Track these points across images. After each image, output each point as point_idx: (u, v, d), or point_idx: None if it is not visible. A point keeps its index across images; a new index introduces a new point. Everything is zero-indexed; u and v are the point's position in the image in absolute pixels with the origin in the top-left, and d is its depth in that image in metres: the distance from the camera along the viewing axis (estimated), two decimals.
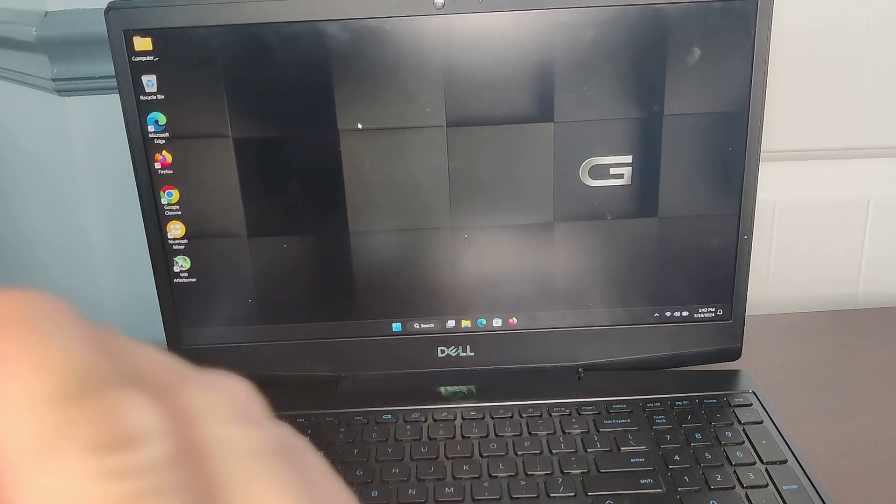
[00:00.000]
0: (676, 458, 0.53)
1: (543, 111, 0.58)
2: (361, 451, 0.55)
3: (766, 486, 0.50)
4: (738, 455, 0.53)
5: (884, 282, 0.78)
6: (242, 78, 0.57)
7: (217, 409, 0.14)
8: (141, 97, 0.57)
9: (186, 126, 0.58)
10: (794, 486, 0.50)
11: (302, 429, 0.57)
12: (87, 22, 0.67)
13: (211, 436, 0.13)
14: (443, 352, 0.63)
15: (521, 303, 0.62)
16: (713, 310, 0.62)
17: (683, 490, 0.50)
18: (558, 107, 0.58)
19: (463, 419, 0.57)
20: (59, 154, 0.75)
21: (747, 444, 0.54)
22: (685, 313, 0.62)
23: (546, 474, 0.52)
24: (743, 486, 0.50)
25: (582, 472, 0.52)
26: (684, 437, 0.55)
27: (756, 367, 0.62)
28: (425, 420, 0.57)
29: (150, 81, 0.57)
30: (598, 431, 0.55)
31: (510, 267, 0.61)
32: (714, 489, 0.50)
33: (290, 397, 0.61)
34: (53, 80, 0.70)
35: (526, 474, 0.52)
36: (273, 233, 0.60)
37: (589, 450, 0.54)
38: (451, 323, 0.62)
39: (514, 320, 0.62)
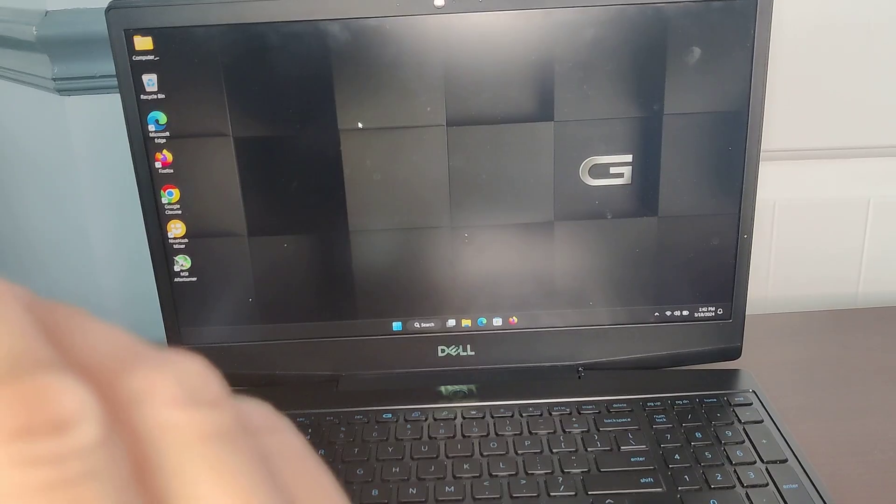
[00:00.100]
0: (676, 457, 0.53)
1: (543, 110, 0.58)
2: (362, 451, 0.55)
3: (767, 485, 0.50)
4: (738, 454, 0.53)
5: (884, 282, 0.78)
6: (243, 77, 0.57)
7: (162, 391, 0.13)
8: (141, 96, 0.57)
9: (187, 125, 0.58)
10: (794, 486, 0.50)
11: (302, 428, 0.57)
12: (88, 21, 0.68)
13: (153, 421, 0.13)
14: (443, 351, 0.63)
15: (521, 302, 0.62)
16: (713, 309, 0.62)
17: (683, 489, 0.50)
18: (558, 106, 0.58)
19: (463, 418, 0.57)
20: (59, 154, 0.75)
21: (747, 443, 0.54)
22: (685, 313, 0.62)
23: (546, 473, 0.52)
24: (743, 486, 0.50)
25: (582, 472, 0.52)
26: (684, 436, 0.55)
27: (756, 367, 0.62)
28: (426, 419, 0.57)
29: (150, 81, 0.57)
30: (599, 431, 0.55)
31: (510, 266, 0.61)
32: (714, 488, 0.50)
33: (290, 397, 0.61)
34: (54, 79, 0.70)
35: (526, 473, 0.52)
36: (273, 232, 0.60)
37: (589, 449, 0.54)
38: (451, 322, 0.62)
39: (515, 319, 0.62)
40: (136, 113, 0.57)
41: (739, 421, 0.56)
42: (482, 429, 0.56)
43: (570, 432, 0.55)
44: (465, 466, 0.53)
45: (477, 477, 0.52)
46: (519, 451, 0.54)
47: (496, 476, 0.52)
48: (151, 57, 0.56)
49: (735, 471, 0.51)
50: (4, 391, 0.11)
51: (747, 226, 0.60)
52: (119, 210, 0.75)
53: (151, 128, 0.58)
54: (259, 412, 0.15)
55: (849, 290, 0.78)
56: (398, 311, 0.62)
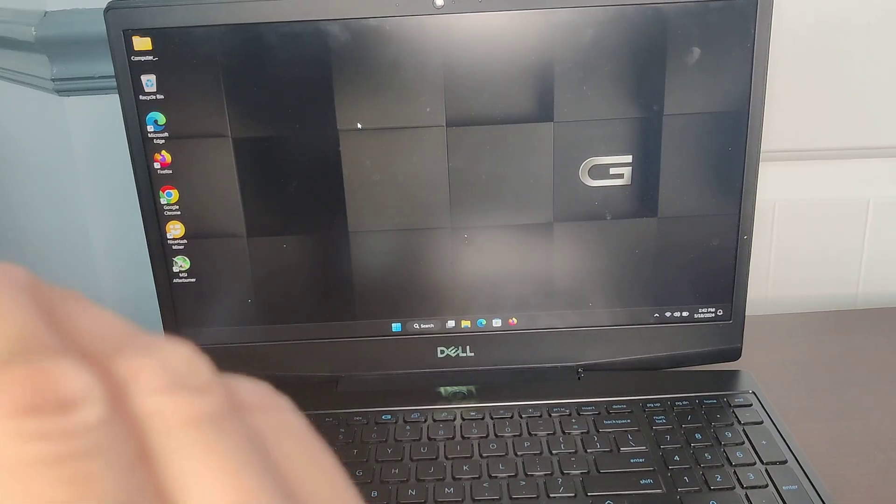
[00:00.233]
0: (676, 458, 0.53)
1: (543, 111, 0.58)
2: (361, 452, 0.55)
3: (766, 486, 0.50)
4: (738, 455, 0.53)
5: (884, 282, 0.78)
6: (242, 78, 0.57)
7: (148, 378, 0.13)
8: (140, 97, 0.57)
9: (186, 126, 0.58)
10: (793, 487, 0.50)
11: None
12: (87, 22, 0.67)
13: (143, 408, 0.13)
14: (442, 352, 0.63)
15: (520, 303, 0.62)
16: (713, 310, 0.62)
17: (683, 490, 0.50)
18: (558, 107, 0.57)
19: (463, 419, 0.57)
20: (58, 154, 0.75)
21: (747, 444, 0.54)
22: (685, 313, 0.62)
23: (546, 475, 0.52)
24: (743, 487, 0.50)
25: (582, 473, 0.52)
26: (684, 437, 0.55)
27: (756, 368, 0.62)
28: (425, 420, 0.57)
29: (149, 81, 0.57)
30: (598, 432, 0.55)
31: (510, 267, 0.61)
32: (714, 489, 0.50)
33: (289, 397, 0.60)
34: (53, 80, 0.70)
35: (526, 475, 0.52)
36: (272, 233, 0.60)
37: (589, 450, 0.54)
38: (450, 323, 0.62)
39: (514, 320, 0.62)
40: (134, 113, 0.57)
41: (739, 422, 0.56)
42: (482, 430, 0.56)
43: (569, 433, 0.55)
44: (464, 468, 0.53)
45: (476, 478, 0.52)
46: (518, 453, 0.54)
47: (495, 477, 0.52)
48: (150, 57, 0.56)
49: (735, 472, 0.51)
50: (11, 372, 0.12)
51: (747, 226, 0.60)
52: (118, 210, 0.75)
53: (150, 128, 0.58)
54: (254, 392, 0.15)
55: (849, 290, 0.78)
56: (398, 312, 0.62)
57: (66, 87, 0.71)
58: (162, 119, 0.57)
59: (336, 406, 0.59)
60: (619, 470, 0.52)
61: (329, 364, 0.62)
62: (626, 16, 0.56)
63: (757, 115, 0.58)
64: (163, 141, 0.58)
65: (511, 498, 0.50)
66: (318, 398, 0.60)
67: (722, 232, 0.60)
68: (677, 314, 0.62)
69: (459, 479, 0.52)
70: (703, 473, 0.51)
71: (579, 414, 0.57)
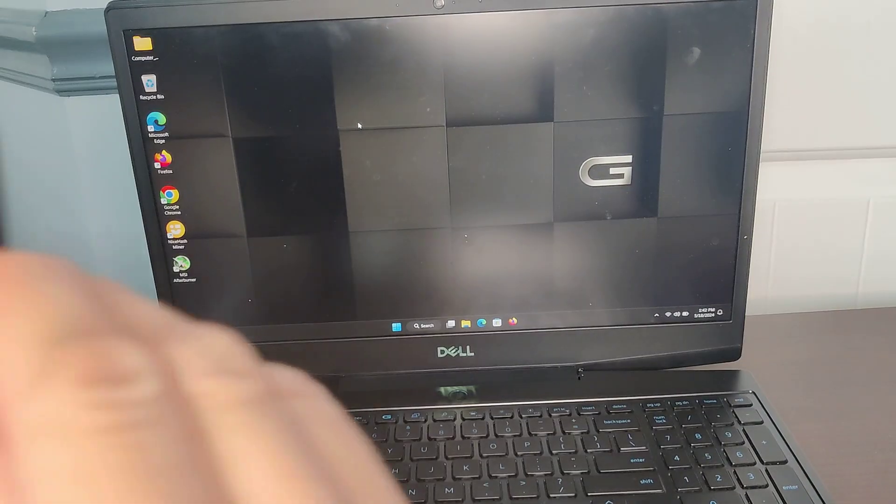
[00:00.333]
0: (676, 458, 0.53)
1: (543, 111, 0.58)
2: None
3: (766, 486, 0.50)
4: (738, 455, 0.53)
5: (884, 282, 0.78)
6: (242, 78, 0.57)
7: (194, 362, 0.14)
8: (141, 97, 0.57)
9: (186, 126, 0.58)
10: (794, 487, 0.50)
11: None
12: (87, 22, 0.67)
13: (190, 389, 0.14)
14: (443, 352, 0.63)
15: (520, 303, 0.62)
16: (713, 310, 0.62)
17: (683, 490, 0.50)
18: (558, 107, 0.58)
19: (463, 419, 0.57)
20: (58, 154, 0.75)
21: (747, 444, 0.54)
22: (685, 313, 0.62)
23: (546, 475, 0.52)
24: (743, 487, 0.50)
25: (582, 473, 0.52)
26: (684, 437, 0.55)
27: (756, 368, 0.62)
28: (425, 420, 0.57)
29: (149, 81, 0.57)
30: (598, 432, 0.55)
31: (510, 267, 0.61)
32: (714, 489, 0.50)
33: None
34: (53, 80, 0.70)
35: (526, 475, 0.52)
36: (273, 233, 0.60)
37: (589, 450, 0.54)
38: (450, 323, 0.62)
39: (514, 320, 0.62)
40: (135, 113, 0.57)
41: (739, 422, 0.56)
42: (482, 430, 0.56)
43: (569, 433, 0.55)
44: (464, 468, 0.53)
45: (476, 478, 0.52)
46: (518, 453, 0.54)
47: (496, 477, 0.52)
48: (150, 57, 0.56)
49: (735, 472, 0.51)
50: (72, 348, 0.13)
51: (747, 226, 0.60)
52: (118, 210, 0.75)
53: (151, 128, 0.58)
54: (292, 379, 0.16)
55: (849, 290, 0.78)
56: (398, 312, 0.62)
57: (66, 87, 0.71)
58: (162, 119, 0.57)
59: None
60: (620, 470, 0.52)
61: (329, 364, 0.62)
62: (627, 16, 0.56)
63: (757, 115, 0.58)
64: (163, 141, 0.58)
65: (511, 498, 0.50)
66: None
67: (722, 232, 0.60)
68: (677, 314, 0.62)
69: (459, 479, 0.52)
70: (703, 473, 0.51)
71: (579, 414, 0.57)
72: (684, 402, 0.58)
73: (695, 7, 0.56)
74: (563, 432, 0.55)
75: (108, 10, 0.55)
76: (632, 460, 0.53)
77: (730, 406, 0.58)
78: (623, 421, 0.56)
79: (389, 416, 0.58)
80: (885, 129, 0.73)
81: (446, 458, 0.54)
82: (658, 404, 0.58)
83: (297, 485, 0.14)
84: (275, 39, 0.56)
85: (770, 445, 0.53)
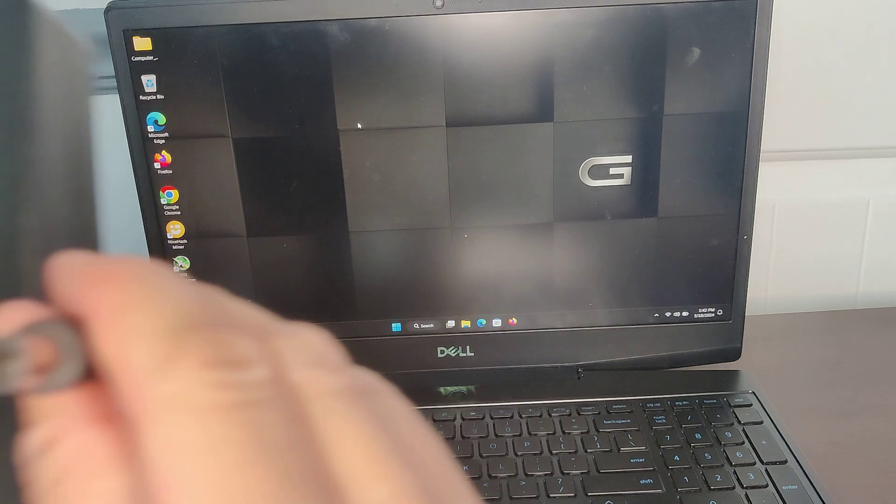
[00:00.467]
0: (676, 458, 0.53)
1: (543, 111, 0.58)
2: None
3: (766, 486, 0.50)
4: (737, 455, 0.53)
5: (883, 282, 0.78)
6: (242, 78, 0.57)
7: (294, 355, 0.16)
8: (140, 97, 0.57)
9: (186, 126, 0.58)
10: (793, 487, 0.50)
11: None
12: (87, 22, 0.67)
13: (292, 378, 0.15)
14: (442, 352, 0.63)
15: (520, 303, 0.62)
16: (713, 310, 0.62)
17: (683, 490, 0.50)
18: (558, 107, 0.58)
19: (462, 419, 0.57)
20: None
21: (747, 444, 0.54)
22: (685, 313, 0.62)
23: (546, 475, 0.52)
24: (743, 487, 0.50)
25: (582, 473, 0.52)
26: (684, 437, 0.55)
27: (756, 368, 0.62)
28: (425, 420, 0.57)
29: (149, 81, 0.57)
30: (598, 432, 0.55)
31: (510, 267, 0.61)
32: (714, 489, 0.50)
33: None
34: None
35: (525, 475, 0.52)
36: (273, 233, 0.60)
37: (589, 450, 0.54)
38: (450, 323, 0.62)
39: (514, 320, 0.62)
40: (134, 113, 0.57)
41: (739, 422, 0.56)
42: (481, 430, 0.56)
43: (569, 433, 0.55)
44: (464, 468, 0.53)
45: (476, 478, 0.52)
46: (518, 453, 0.54)
47: (495, 477, 0.52)
48: (150, 57, 0.56)
49: (735, 472, 0.51)
50: (193, 337, 0.14)
51: (747, 226, 0.60)
52: (118, 210, 0.75)
53: (150, 128, 0.58)
54: (370, 379, 0.17)
55: (848, 291, 0.78)
56: (397, 312, 0.62)
57: None
58: (162, 119, 0.57)
59: None
60: (619, 470, 0.52)
61: None
62: (627, 16, 0.56)
63: (757, 115, 0.58)
64: (163, 141, 0.58)
65: (511, 498, 0.50)
66: None
67: (722, 232, 0.60)
68: (677, 314, 0.62)
69: None
70: (703, 473, 0.51)
71: (579, 414, 0.57)
72: (684, 402, 0.58)
73: (695, 7, 0.56)
74: (563, 432, 0.55)
75: (107, 10, 0.55)
76: (632, 460, 0.53)
77: (729, 406, 0.58)
78: (623, 421, 0.56)
79: None
80: (885, 129, 0.73)
81: None
82: (658, 404, 0.58)
83: (390, 467, 0.15)
84: (275, 39, 0.56)
85: (770, 445, 0.53)
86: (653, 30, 0.56)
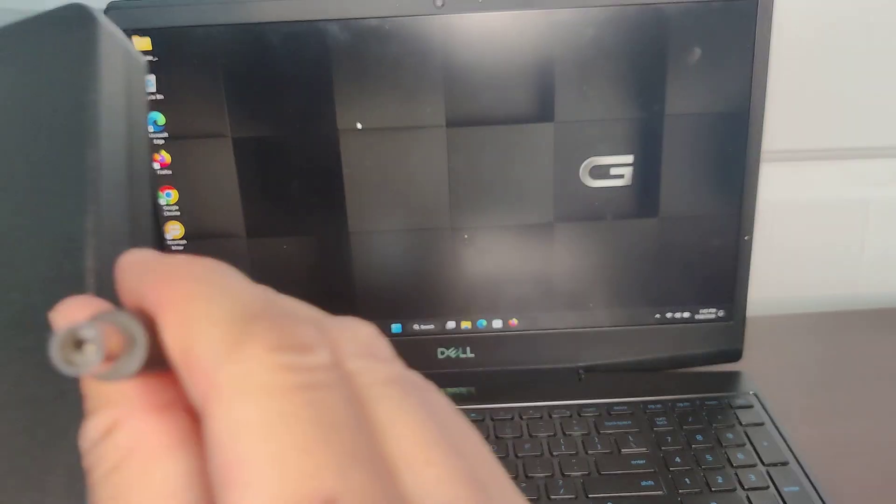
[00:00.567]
0: (677, 459, 0.52)
1: (543, 111, 0.58)
2: None
3: (768, 487, 0.50)
4: (739, 457, 0.52)
5: (884, 282, 0.78)
6: (242, 78, 0.57)
7: (348, 345, 0.16)
8: None
9: (185, 126, 0.58)
10: (795, 488, 0.50)
11: None
12: None
13: (346, 367, 0.16)
14: (443, 353, 0.63)
15: (521, 304, 0.62)
16: (714, 311, 0.62)
17: (684, 492, 0.50)
18: (558, 107, 0.57)
19: None
20: None
21: (748, 445, 0.54)
22: (686, 314, 0.62)
23: (546, 476, 0.52)
24: (744, 488, 0.50)
25: (582, 474, 0.52)
26: (685, 438, 0.55)
27: (757, 369, 0.62)
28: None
29: (149, 81, 0.56)
30: (599, 433, 0.55)
31: (510, 268, 0.61)
32: (715, 491, 0.50)
33: None
34: None
35: (526, 476, 0.52)
36: (272, 233, 0.60)
37: (589, 452, 0.54)
38: (451, 324, 0.62)
39: (515, 321, 0.62)
40: None
41: (740, 423, 0.56)
42: (482, 431, 0.56)
43: (570, 435, 0.55)
44: None
45: None
46: (519, 454, 0.54)
47: None
48: (150, 57, 0.56)
49: (736, 473, 0.51)
50: (259, 323, 0.15)
51: (748, 227, 0.60)
52: None
53: (150, 128, 0.57)
54: (416, 374, 0.18)
55: (849, 291, 0.78)
56: (398, 313, 0.62)
57: None
58: (162, 119, 0.57)
59: None
60: (620, 471, 0.52)
61: None
62: (627, 16, 0.56)
63: (757, 115, 0.58)
64: (162, 141, 0.58)
65: None
66: None
67: (723, 232, 0.60)
68: (678, 315, 0.62)
69: None
70: (704, 475, 0.51)
71: (580, 415, 0.57)
72: (685, 404, 0.58)
73: (695, 7, 0.55)
74: (564, 434, 0.55)
75: (107, 9, 0.55)
76: (633, 462, 0.53)
77: (731, 407, 0.57)
78: (624, 422, 0.56)
79: None
80: (885, 129, 0.73)
81: None
82: (659, 405, 0.58)
83: (438, 452, 0.15)
84: (275, 39, 0.56)
85: (771, 447, 0.53)
86: (653, 30, 0.56)
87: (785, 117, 0.71)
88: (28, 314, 0.20)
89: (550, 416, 0.57)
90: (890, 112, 0.72)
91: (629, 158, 0.59)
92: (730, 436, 0.54)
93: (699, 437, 0.54)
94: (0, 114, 0.23)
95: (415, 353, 0.62)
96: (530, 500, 0.50)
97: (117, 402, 0.16)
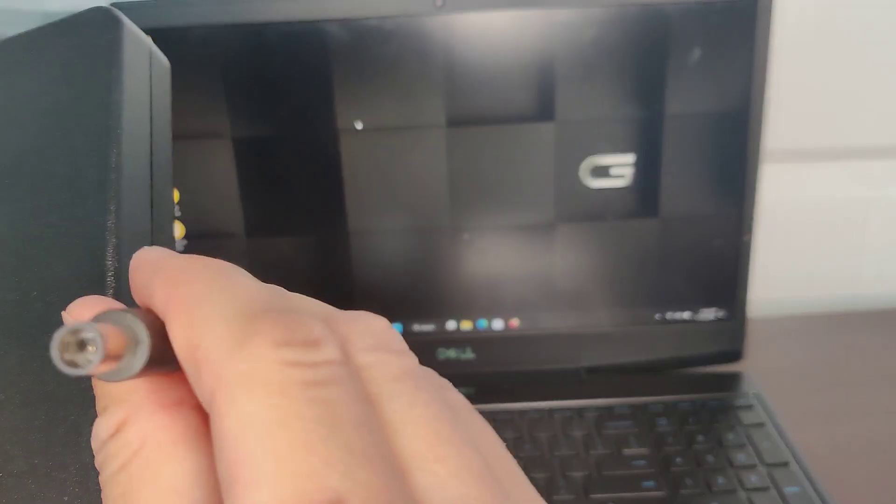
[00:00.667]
0: (678, 460, 0.52)
1: (544, 111, 0.57)
2: None
3: (768, 488, 0.50)
4: (740, 457, 0.52)
5: (885, 283, 0.77)
6: (242, 77, 0.57)
7: (359, 339, 0.16)
8: None
9: (185, 126, 0.58)
10: (796, 489, 0.50)
11: None
12: None
13: (357, 361, 0.16)
14: (443, 354, 0.62)
15: (521, 304, 0.62)
16: (715, 311, 0.62)
17: (685, 493, 0.50)
18: (559, 106, 0.57)
19: None
20: None
21: (749, 446, 0.53)
22: (687, 315, 0.62)
23: (547, 476, 0.52)
24: (745, 489, 0.50)
25: (583, 475, 0.52)
26: (686, 439, 0.54)
27: (758, 369, 0.62)
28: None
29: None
30: (600, 434, 0.55)
31: (511, 268, 0.61)
32: (716, 492, 0.50)
33: None
34: None
35: (527, 476, 0.52)
36: (272, 233, 0.60)
37: (590, 452, 0.53)
38: (451, 324, 0.62)
39: (515, 322, 0.62)
40: None
41: (741, 424, 0.56)
42: None
43: (571, 435, 0.55)
44: None
45: None
46: (520, 455, 0.53)
47: None
48: None
49: (737, 474, 0.51)
50: (266, 319, 0.15)
51: (749, 227, 0.60)
52: None
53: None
54: (429, 370, 0.18)
55: (850, 291, 0.78)
56: (397, 314, 0.62)
57: None
58: None
59: None
60: (621, 472, 0.52)
61: None
62: (628, 15, 0.56)
63: (758, 116, 0.58)
64: None
65: None
66: None
67: (723, 232, 0.60)
68: (679, 315, 0.62)
69: None
70: (705, 475, 0.51)
71: (581, 416, 0.57)
72: (686, 404, 0.58)
73: (696, 7, 0.55)
74: (565, 434, 0.55)
75: None
76: (633, 462, 0.52)
77: (732, 408, 0.57)
78: (625, 423, 0.56)
79: None
80: (885, 129, 0.73)
81: None
82: (660, 406, 0.58)
83: (451, 448, 0.15)
84: (274, 39, 0.56)
85: (772, 447, 0.53)
86: (654, 29, 0.56)
87: (786, 117, 0.71)
88: (49, 313, 0.20)
89: (551, 417, 0.57)
90: (891, 112, 0.72)
91: (630, 158, 0.59)
92: (731, 436, 0.54)
93: (700, 438, 0.54)
94: (28, 116, 0.23)
95: (415, 354, 0.62)
96: None
97: (126, 400, 0.16)
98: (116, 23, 0.23)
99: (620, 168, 0.59)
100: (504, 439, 0.55)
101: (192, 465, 0.15)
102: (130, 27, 0.24)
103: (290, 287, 0.17)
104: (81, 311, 0.16)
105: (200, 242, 0.60)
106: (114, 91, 0.22)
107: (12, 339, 0.20)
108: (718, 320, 0.62)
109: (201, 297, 0.15)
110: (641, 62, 0.57)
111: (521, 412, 0.57)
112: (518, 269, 0.61)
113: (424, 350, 0.62)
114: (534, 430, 0.56)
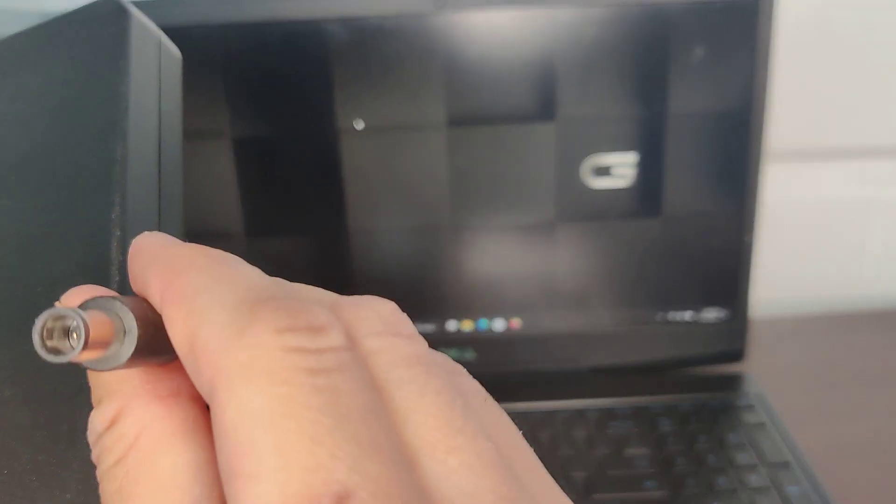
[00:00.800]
0: (679, 460, 0.52)
1: (545, 110, 0.57)
2: None
3: (769, 488, 0.50)
4: (741, 458, 0.52)
5: (886, 283, 0.77)
6: (241, 77, 0.56)
7: (366, 324, 0.16)
8: None
9: (185, 125, 0.57)
10: (797, 489, 0.49)
11: None
12: None
13: (365, 346, 0.15)
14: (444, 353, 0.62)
15: (523, 304, 0.62)
16: (717, 311, 0.62)
17: (686, 493, 0.50)
18: (560, 106, 0.57)
19: None
20: None
21: (750, 446, 0.53)
22: (688, 315, 0.62)
23: None
24: (746, 489, 0.50)
25: (585, 475, 0.51)
26: (687, 439, 0.54)
27: (759, 370, 0.62)
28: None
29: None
30: (601, 434, 0.55)
31: (512, 268, 0.61)
32: (717, 492, 0.50)
33: None
34: None
35: None
36: (272, 233, 0.60)
37: (592, 452, 0.53)
38: (452, 325, 0.62)
39: (516, 322, 0.62)
40: None
41: (742, 424, 0.55)
42: None
43: (572, 435, 0.55)
44: None
45: None
46: None
47: None
48: None
49: (738, 474, 0.51)
50: (269, 306, 0.14)
51: (750, 227, 0.60)
52: None
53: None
54: (442, 355, 0.17)
55: (852, 292, 0.78)
56: None
57: None
58: None
59: None
60: (623, 472, 0.52)
61: None
62: (629, 14, 0.55)
63: (759, 115, 0.58)
64: None
65: None
66: None
67: (725, 232, 0.60)
68: (680, 316, 0.62)
69: None
70: (706, 476, 0.51)
71: (582, 416, 0.57)
72: (687, 404, 0.58)
73: (697, 6, 0.55)
74: (566, 434, 0.55)
75: None
76: (635, 462, 0.52)
77: (733, 408, 0.57)
78: (626, 423, 0.56)
79: None
80: (887, 129, 0.73)
81: None
82: (661, 406, 0.58)
83: (466, 439, 0.14)
84: (275, 38, 0.56)
85: (773, 447, 0.53)
86: (655, 29, 0.56)
87: (787, 117, 0.71)
88: None
89: (552, 418, 0.57)
90: (893, 112, 0.72)
91: (631, 158, 0.58)
92: (732, 436, 0.54)
93: (701, 438, 0.54)
94: (36, 110, 0.23)
95: None
96: None
97: (120, 391, 0.16)
98: (124, 14, 0.23)
99: (621, 168, 0.59)
100: None
101: (191, 458, 0.15)
102: (139, 18, 0.23)
103: None
104: (73, 300, 0.16)
105: (200, 242, 0.59)
106: (120, 83, 0.22)
107: (18, 335, 0.20)
108: (720, 321, 0.62)
109: (200, 285, 0.15)
110: (643, 62, 0.57)
111: (523, 413, 0.57)
112: (519, 269, 0.61)
113: None
114: (535, 430, 0.55)
